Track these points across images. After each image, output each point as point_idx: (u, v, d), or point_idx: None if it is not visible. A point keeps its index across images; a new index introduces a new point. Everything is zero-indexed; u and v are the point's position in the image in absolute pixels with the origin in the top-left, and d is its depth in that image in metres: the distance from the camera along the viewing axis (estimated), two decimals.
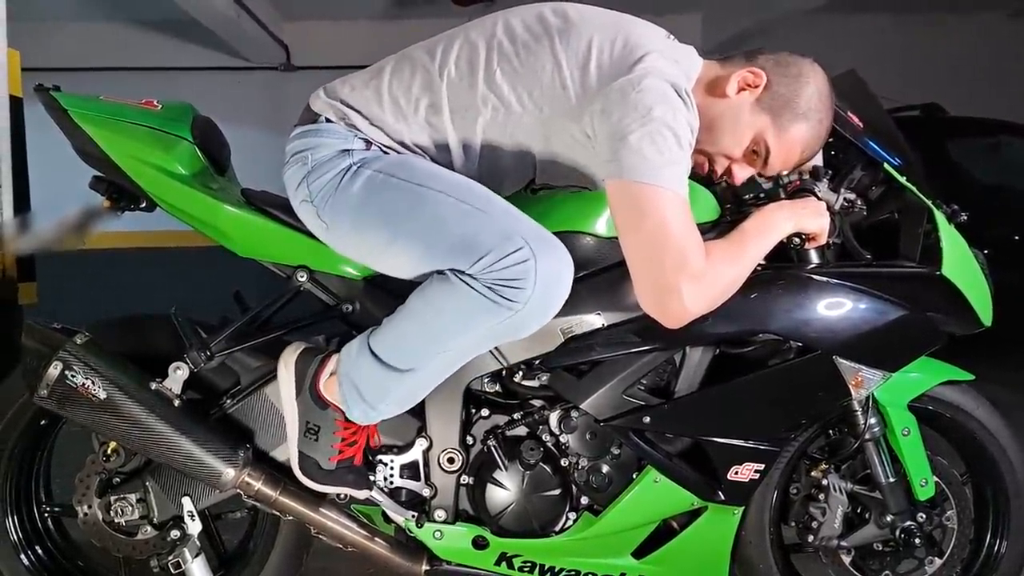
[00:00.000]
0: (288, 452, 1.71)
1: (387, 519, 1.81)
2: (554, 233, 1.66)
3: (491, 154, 1.65)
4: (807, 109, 1.61)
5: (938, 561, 1.92)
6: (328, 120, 1.67)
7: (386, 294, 1.75)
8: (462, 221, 1.54)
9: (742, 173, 1.67)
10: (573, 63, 1.56)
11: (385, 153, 1.66)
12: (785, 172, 1.71)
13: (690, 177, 1.61)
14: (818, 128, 1.64)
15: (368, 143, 1.65)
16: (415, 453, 1.77)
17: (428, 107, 1.63)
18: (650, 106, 1.47)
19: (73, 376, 1.64)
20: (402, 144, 1.66)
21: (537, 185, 1.72)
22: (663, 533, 1.83)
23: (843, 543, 1.88)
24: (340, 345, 1.71)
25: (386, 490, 1.77)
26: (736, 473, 1.74)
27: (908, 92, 6.08)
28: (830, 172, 1.76)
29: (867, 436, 1.81)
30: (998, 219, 5.31)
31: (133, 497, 1.77)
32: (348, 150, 1.64)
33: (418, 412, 1.75)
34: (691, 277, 1.48)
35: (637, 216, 1.49)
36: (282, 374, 1.69)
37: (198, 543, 1.76)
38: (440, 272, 1.56)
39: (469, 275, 1.52)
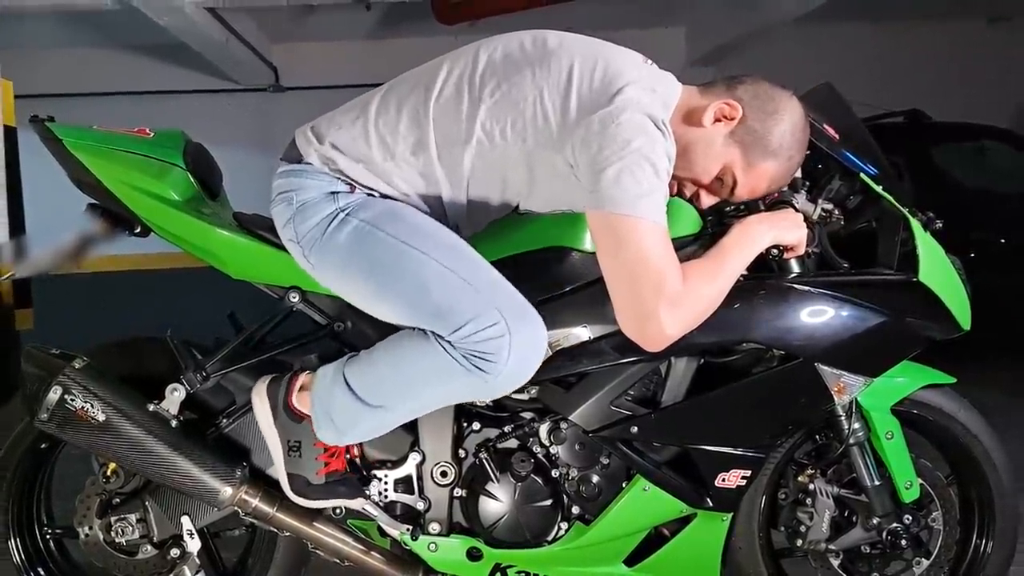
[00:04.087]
0: (279, 478, 1.74)
1: (383, 533, 1.83)
2: (541, 249, 1.72)
3: (477, 187, 1.68)
4: (778, 147, 1.65)
5: (925, 562, 1.94)
6: (312, 164, 1.70)
7: None
8: (443, 289, 1.59)
9: (708, 200, 1.72)
10: (554, 93, 1.60)
11: (370, 196, 1.69)
12: None
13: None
14: (787, 165, 1.68)
15: (353, 186, 1.68)
16: (408, 467, 1.81)
17: (415, 144, 1.66)
18: (629, 139, 1.51)
19: (72, 400, 1.67)
20: (389, 184, 1.68)
21: (521, 211, 1.76)
22: (654, 540, 1.86)
23: (831, 546, 1.91)
24: (319, 362, 1.75)
25: (381, 504, 1.80)
26: (723, 480, 1.77)
27: (890, 99, 6.15)
28: (808, 183, 1.80)
29: (851, 441, 1.84)
30: (983, 222, 5.36)
31: (133, 517, 1.79)
32: (334, 193, 1.67)
33: (411, 427, 1.78)
34: (669, 303, 1.53)
35: (616, 245, 1.54)
36: (257, 406, 1.73)
37: (198, 561, 1.78)
38: (420, 329, 1.62)
39: (448, 341, 1.58)
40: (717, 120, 1.65)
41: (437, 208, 1.71)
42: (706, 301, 1.60)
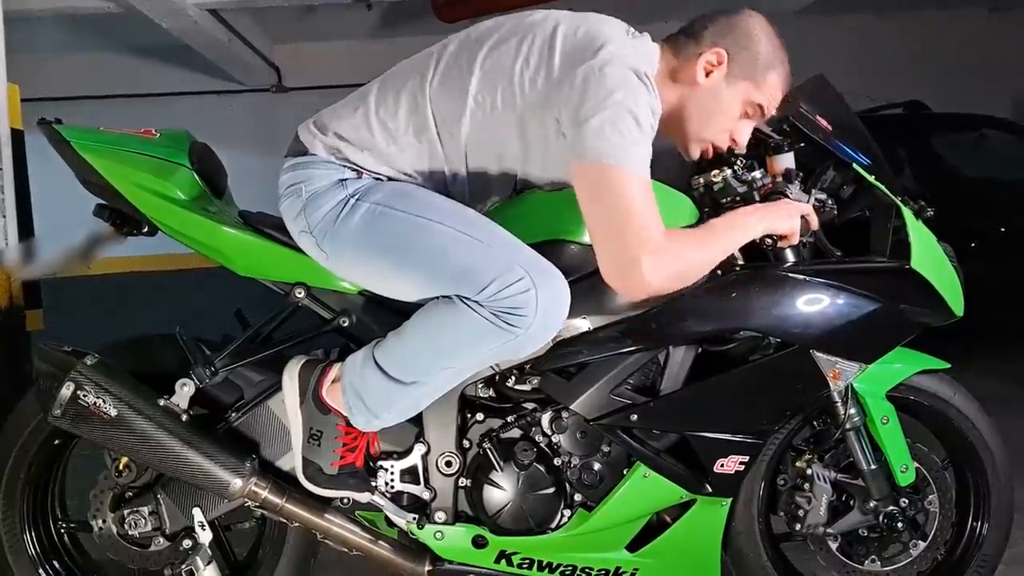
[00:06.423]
0: (293, 460, 1.78)
1: (389, 523, 1.86)
2: (540, 242, 1.74)
3: (476, 159, 1.74)
4: (771, 58, 1.75)
5: (922, 544, 1.98)
6: (318, 155, 1.75)
7: (381, 307, 1.82)
8: (464, 251, 1.63)
9: (745, 131, 1.79)
10: (539, 55, 1.66)
11: (378, 180, 1.74)
12: (759, 175, 1.80)
13: (671, 184, 1.69)
14: (785, 65, 1.77)
15: (360, 172, 1.73)
16: (414, 458, 1.84)
17: (416, 127, 1.71)
18: (611, 90, 1.56)
19: (85, 396, 1.70)
20: (394, 167, 1.74)
21: (518, 187, 1.81)
22: (655, 526, 1.89)
23: (829, 530, 1.94)
24: (342, 355, 1.78)
25: (388, 495, 1.84)
26: (722, 466, 1.80)
27: (890, 90, 6.17)
28: (801, 174, 1.84)
29: (848, 426, 1.87)
30: (984, 212, 5.38)
31: (145, 510, 1.82)
32: (343, 180, 1.72)
33: (416, 419, 1.81)
34: (651, 251, 1.57)
35: (599, 194, 1.59)
36: (287, 385, 1.77)
37: (209, 552, 1.81)
38: (446, 296, 1.65)
39: (475, 301, 1.61)
40: (708, 72, 1.73)
41: (441, 187, 1.76)
42: (688, 262, 1.64)
